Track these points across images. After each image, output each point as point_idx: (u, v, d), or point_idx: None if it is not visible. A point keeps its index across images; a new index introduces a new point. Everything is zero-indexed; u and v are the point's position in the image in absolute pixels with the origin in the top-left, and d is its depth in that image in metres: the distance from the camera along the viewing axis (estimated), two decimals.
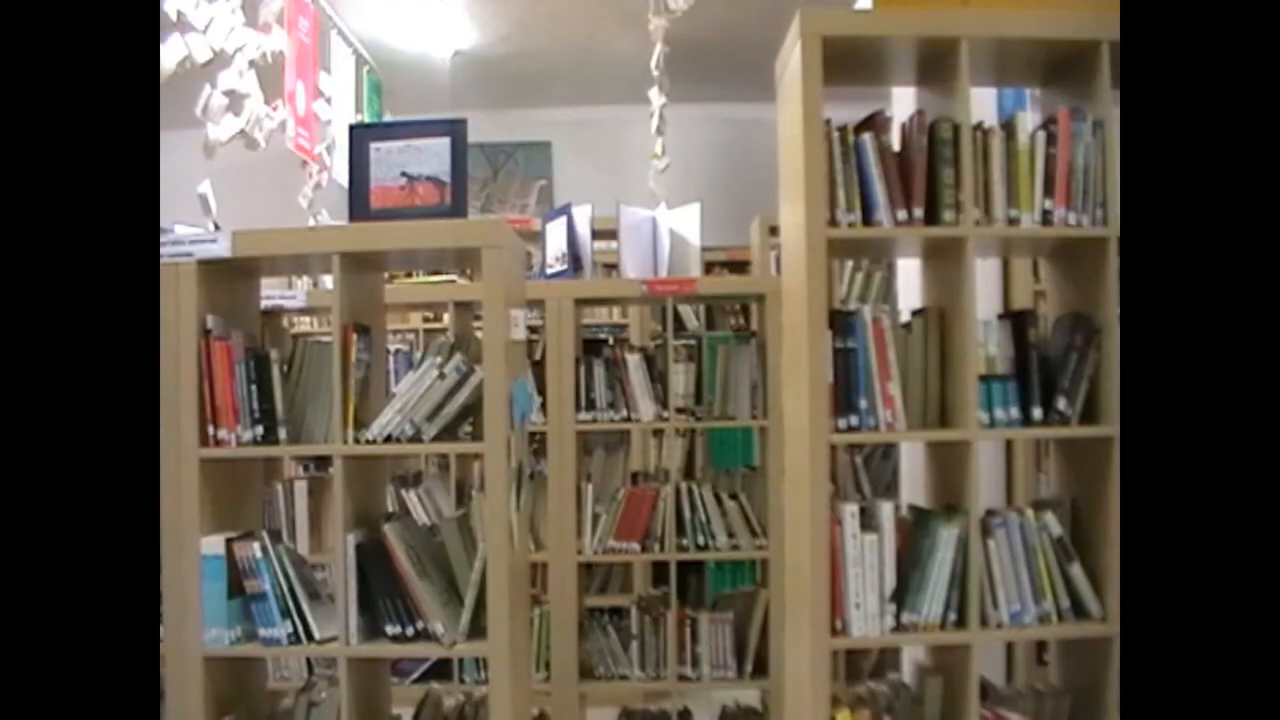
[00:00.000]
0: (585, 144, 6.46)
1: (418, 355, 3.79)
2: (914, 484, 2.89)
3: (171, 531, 2.26)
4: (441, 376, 2.34)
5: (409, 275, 5.09)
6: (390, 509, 3.01)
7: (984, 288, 2.42)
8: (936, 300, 2.37)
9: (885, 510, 2.20)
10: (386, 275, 2.88)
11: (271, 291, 3.46)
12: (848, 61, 2.22)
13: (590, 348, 3.83)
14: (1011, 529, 2.19)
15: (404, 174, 2.47)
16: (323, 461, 3.67)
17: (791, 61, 2.25)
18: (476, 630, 2.32)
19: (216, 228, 2.84)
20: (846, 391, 2.20)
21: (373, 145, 2.50)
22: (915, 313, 2.32)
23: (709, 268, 5.28)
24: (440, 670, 3.75)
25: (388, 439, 2.34)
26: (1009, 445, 3.15)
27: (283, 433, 2.36)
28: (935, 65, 2.29)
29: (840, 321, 2.20)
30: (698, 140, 5.99)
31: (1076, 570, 2.20)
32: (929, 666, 2.39)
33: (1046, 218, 2.20)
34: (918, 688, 2.35)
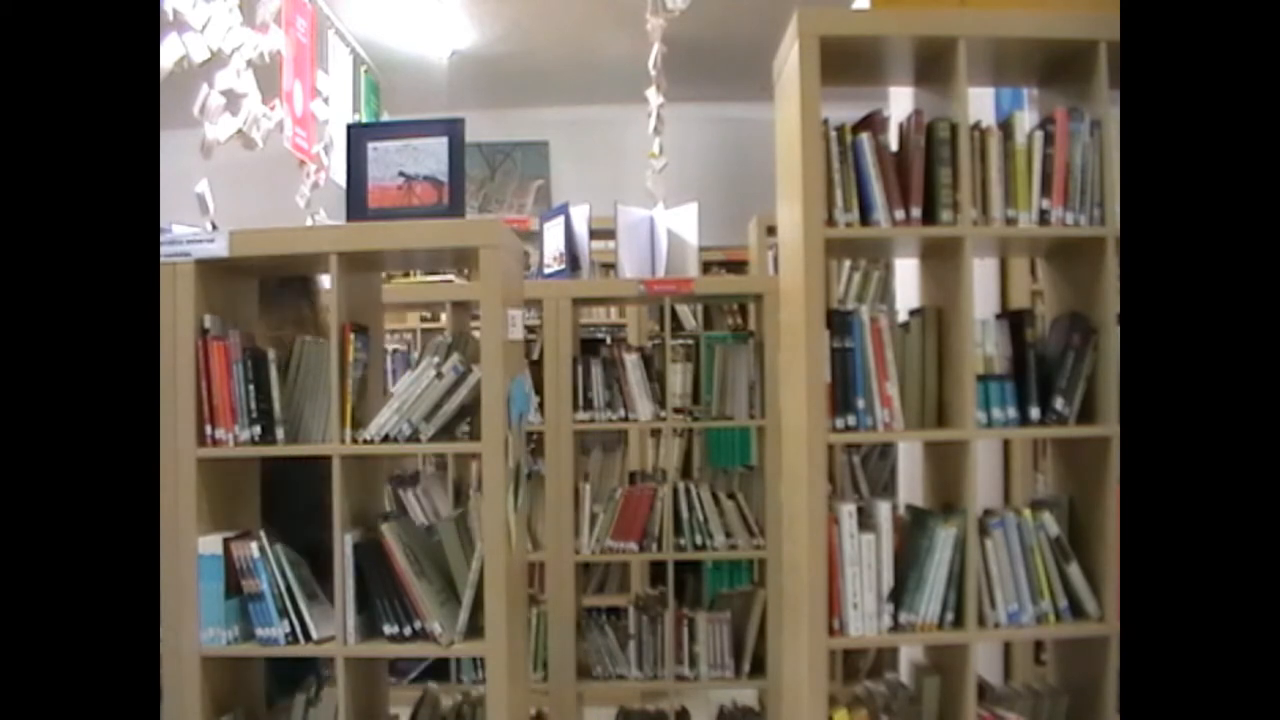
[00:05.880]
0: (583, 144, 6.45)
1: (415, 355, 3.78)
2: (911, 484, 2.90)
3: (169, 531, 2.26)
4: (439, 376, 2.34)
5: (406, 275, 5.09)
6: (388, 509, 3.01)
7: (981, 287, 2.42)
8: (934, 300, 2.37)
9: (883, 510, 2.21)
10: (384, 275, 2.88)
11: None
12: (845, 61, 2.22)
13: (588, 347, 3.82)
14: (1009, 529, 2.19)
15: (401, 174, 2.47)
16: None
17: (789, 61, 2.25)
18: (474, 630, 2.32)
19: (214, 227, 2.84)
20: (844, 391, 2.20)
21: (370, 145, 2.49)
22: (913, 312, 2.32)
23: (707, 267, 5.28)
24: (438, 670, 3.74)
25: (385, 439, 2.33)
26: (1006, 445, 3.15)
27: (280, 432, 2.36)
28: (933, 65, 2.29)
29: (838, 321, 2.21)
30: (695, 140, 5.99)
31: (1074, 570, 2.20)
32: (926, 666, 2.39)
33: (1044, 217, 2.20)
34: (915, 687, 2.35)
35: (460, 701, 2.81)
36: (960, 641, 2.18)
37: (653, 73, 4.40)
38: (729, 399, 3.57)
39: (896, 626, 2.18)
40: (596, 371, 3.54)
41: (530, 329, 3.59)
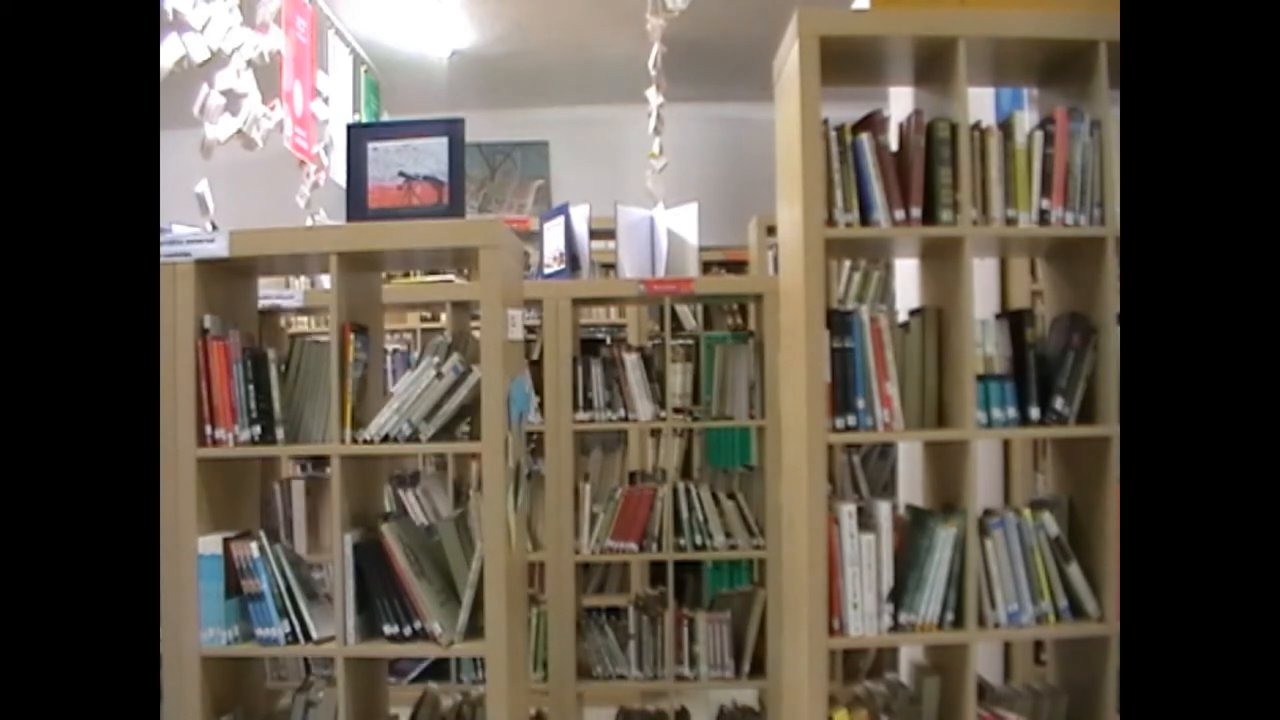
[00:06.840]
0: (583, 144, 6.45)
1: (415, 355, 3.79)
2: (911, 484, 2.90)
3: (169, 531, 2.26)
4: (439, 376, 2.34)
5: (406, 275, 5.09)
6: (388, 509, 3.01)
7: (981, 287, 2.43)
8: (934, 300, 2.37)
9: (883, 510, 2.20)
10: (384, 275, 2.88)
11: (269, 291, 3.45)
12: (845, 61, 2.22)
13: (588, 347, 3.82)
14: (1009, 529, 2.19)
15: (401, 174, 2.47)
16: (320, 461, 3.67)
17: (789, 61, 2.25)
18: (474, 630, 2.32)
19: (214, 227, 2.84)
20: (844, 391, 2.20)
21: (370, 145, 2.50)
22: (913, 312, 2.32)
23: (706, 267, 5.29)
24: (438, 670, 3.75)
25: (385, 439, 2.34)
26: (1006, 445, 3.15)
27: (280, 432, 2.36)
28: (933, 65, 2.29)
29: (838, 321, 2.21)
30: (695, 140, 5.99)
31: (1074, 570, 2.20)
32: (926, 666, 2.39)
33: (1044, 217, 2.20)
34: (915, 687, 2.35)
35: (460, 701, 2.81)
36: (960, 641, 2.18)
37: (652, 73, 4.40)
38: (729, 399, 3.57)
39: (896, 626, 2.18)
40: (596, 371, 3.54)
41: (530, 329, 3.59)
